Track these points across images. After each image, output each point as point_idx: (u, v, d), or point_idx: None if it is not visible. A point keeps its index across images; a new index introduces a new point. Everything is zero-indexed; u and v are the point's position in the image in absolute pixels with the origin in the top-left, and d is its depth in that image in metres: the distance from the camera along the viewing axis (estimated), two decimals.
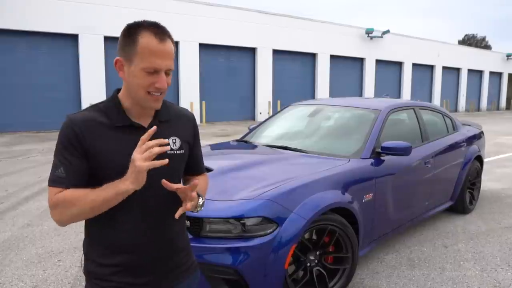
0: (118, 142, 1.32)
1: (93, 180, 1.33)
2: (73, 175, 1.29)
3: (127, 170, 1.25)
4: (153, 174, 1.34)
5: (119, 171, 1.28)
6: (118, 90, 1.40)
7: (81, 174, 1.31)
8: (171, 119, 1.46)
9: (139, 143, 1.22)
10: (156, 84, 1.28)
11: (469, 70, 33.17)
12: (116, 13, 15.30)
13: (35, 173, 7.22)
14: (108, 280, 1.37)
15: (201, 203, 1.43)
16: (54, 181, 1.29)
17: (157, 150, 1.21)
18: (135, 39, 1.26)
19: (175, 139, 1.43)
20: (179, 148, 1.44)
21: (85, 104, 15.03)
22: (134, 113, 1.37)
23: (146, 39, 1.26)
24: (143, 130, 1.36)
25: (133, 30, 1.28)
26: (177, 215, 1.32)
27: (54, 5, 14.55)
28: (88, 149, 1.30)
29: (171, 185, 1.30)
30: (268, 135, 4.40)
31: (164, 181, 1.29)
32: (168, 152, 1.39)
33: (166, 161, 1.23)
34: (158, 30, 1.28)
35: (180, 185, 1.32)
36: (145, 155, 1.19)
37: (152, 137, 1.36)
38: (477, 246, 4.07)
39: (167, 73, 1.31)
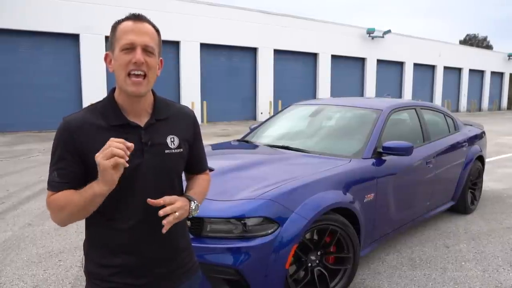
0: None
1: (91, 181, 1.33)
2: (67, 179, 1.30)
3: (124, 170, 1.25)
4: (151, 174, 1.34)
5: None
6: (114, 89, 1.40)
7: (75, 177, 1.31)
8: (170, 117, 1.44)
9: (105, 145, 1.19)
10: (133, 59, 1.28)
11: (471, 70, 33.12)
12: (117, 13, 15.21)
13: (36, 173, 7.22)
14: (109, 281, 1.36)
15: (193, 207, 1.41)
16: (50, 185, 1.32)
17: (119, 152, 1.15)
18: (116, 29, 1.32)
19: (173, 138, 1.42)
20: (178, 147, 1.42)
21: (86, 104, 14.97)
22: (130, 111, 1.36)
23: (123, 24, 1.32)
24: (140, 129, 1.35)
25: (115, 23, 1.34)
26: (164, 230, 1.29)
27: (55, 5, 14.56)
28: (83, 152, 1.29)
29: (155, 201, 1.28)
30: (269, 135, 4.39)
31: (149, 200, 1.27)
32: (166, 152, 1.39)
33: (126, 158, 1.17)
34: (135, 16, 1.33)
35: (164, 199, 1.30)
36: (105, 152, 1.16)
37: (150, 136, 1.36)
38: (479, 247, 4.06)
39: (147, 53, 1.31)
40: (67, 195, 1.27)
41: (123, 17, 1.35)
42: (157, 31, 1.37)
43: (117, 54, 1.30)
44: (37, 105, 14.48)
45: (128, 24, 1.31)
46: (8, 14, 13.68)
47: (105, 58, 1.37)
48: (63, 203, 1.27)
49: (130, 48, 1.28)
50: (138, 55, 1.28)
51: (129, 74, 1.29)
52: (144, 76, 1.30)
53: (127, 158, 1.18)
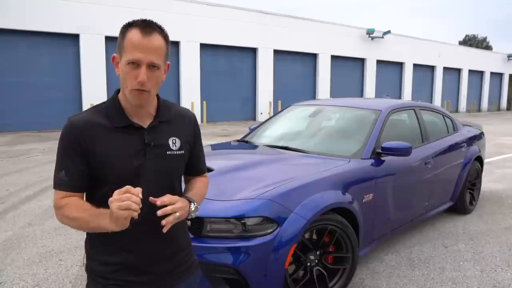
0: (118, 143, 1.34)
1: (95, 180, 1.35)
2: (75, 177, 1.32)
3: (127, 170, 1.27)
4: (152, 175, 1.36)
5: (119, 171, 1.30)
6: (119, 91, 1.41)
7: (82, 176, 1.33)
8: (172, 120, 1.46)
9: (122, 189, 1.19)
10: (137, 78, 1.28)
11: (470, 71, 33.14)
12: (117, 13, 15.32)
13: (36, 173, 7.23)
14: (110, 278, 1.38)
15: (193, 208, 1.42)
16: (58, 184, 1.33)
17: (135, 206, 1.17)
18: (125, 34, 1.30)
19: (175, 140, 1.44)
20: (179, 149, 1.44)
21: (85, 104, 15.05)
22: (134, 113, 1.38)
23: (132, 33, 1.29)
24: (143, 130, 1.37)
25: (125, 27, 1.32)
26: (164, 230, 1.30)
27: (55, 4, 14.56)
28: (88, 151, 1.31)
29: (157, 199, 1.29)
30: (269, 135, 4.41)
31: (151, 198, 1.28)
32: (167, 153, 1.41)
33: (139, 211, 1.19)
34: (145, 25, 1.30)
35: (164, 198, 1.30)
36: (122, 204, 1.16)
37: (153, 137, 1.38)
38: (477, 247, 4.08)
39: (152, 69, 1.30)
40: (79, 210, 1.29)
41: (134, 20, 1.32)
42: (166, 39, 1.35)
43: (123, 64, 1.30)
44: (36, 105, 14.48)
45: (137, 35, 1.28)
46: (7, 14, 13.68)
47: (113, 59, 1.37)
48: (74, 215, 1.29)
49: (136, 63, 1.28)
50: (143, 74, 1.27)
51: (134, 89, 1.30)
52: (146, 90, 1.31)
53: (139, 211, 1.20)
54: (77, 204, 1.31)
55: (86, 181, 1.34)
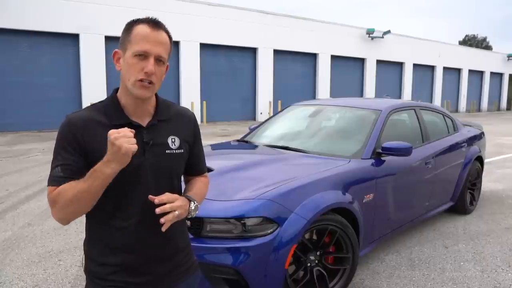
0: None
1: None
2: (70, 174, 1.29)
3: (125, 169, 1.26)
4: (152, 174, 1.35)
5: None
6: (117, 90, 1.41)
7: (78, 173, 1.30)
8: (171, 119, 1.45)
9: (112, 130, 1.20)
10: (145, 68, 1.29)
11: (470, 71, 33.13)
12: (117, 13, 15.31)
13: (35, 173, 7.22)
14: (108, 280, 1.37)
15: (193, 207, 1.41)
16: (52, 181, 1.29)
17: (133, 140, 1.21)
18: (131, 29, 1.32)
19: (174, 139, 1.43)
20: (178, 148, 1.43)
21: (85, 104, 15.03)
22: (132, 111, 1.37)
23: (140, 28, 1.32)
24: (142, 129, 1.36)
25: (131, 23, 1.34)
26: (163, 228, 1.29)
27: (55, 4, 14.56)
28: (85, 149, 1.30)
29: (156, 197, 1.29)
30: (269, 135, 4.40)
31: (150, 196, 1.27)
32: (166, 152, 1.40)
33: (136, 147, 1.21)
34: (153, 21, 1.34)
35: (163, 197, 1.30)
36: (130, 140, 1.19)
37: (152, 136, 1.37)
38: (478, 247, 4.07)
39: (158, 63, 1.32)
40: (72, 187, 1.24)
41: (140, 17, 1.35)
42: (170, 39, 1.39)
43: (129, 57, 1.31)
44: (36, 105, 14.48)
45: (145, 29, 1.31)
46: (7, 13, 13.67)
47: (114, 55, 1.37)
48: (71, 195, 1.23)
49: (143, 55, 1.30)
50: (151, 65, 1.29)
51: (139, 80, 1.31)
52: (151, 82, 1.32)
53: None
54: (68, 186, 1.25)
55: (82, 177, 1.32)
